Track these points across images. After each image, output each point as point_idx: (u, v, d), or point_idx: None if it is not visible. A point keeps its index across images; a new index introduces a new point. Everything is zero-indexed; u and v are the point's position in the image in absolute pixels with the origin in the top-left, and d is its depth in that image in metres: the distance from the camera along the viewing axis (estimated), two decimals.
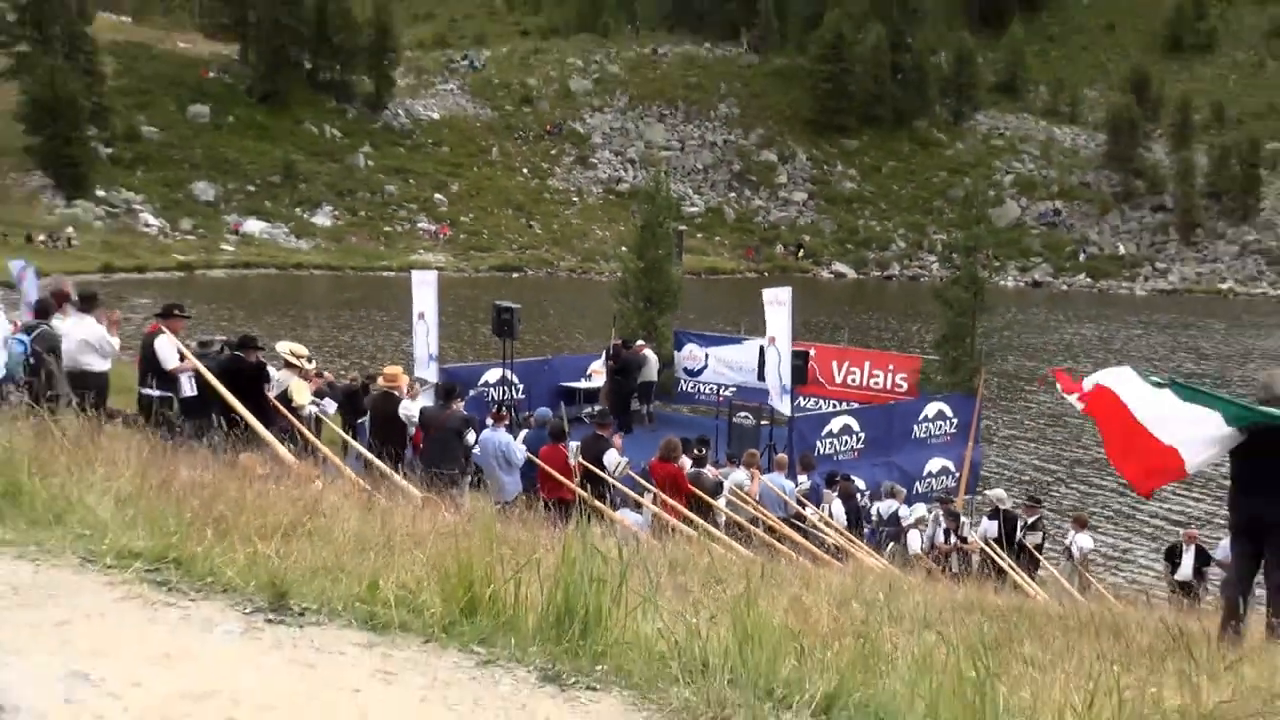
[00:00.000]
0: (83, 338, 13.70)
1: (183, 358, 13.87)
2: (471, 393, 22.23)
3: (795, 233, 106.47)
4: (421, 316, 24.60)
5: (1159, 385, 9.18)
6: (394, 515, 7.06)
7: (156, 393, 14.04)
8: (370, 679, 3.36)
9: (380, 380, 17.75)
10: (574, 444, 16.34)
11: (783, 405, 23.16)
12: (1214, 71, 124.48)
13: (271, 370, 14.77)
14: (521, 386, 24.96)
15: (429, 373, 23.01)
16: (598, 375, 27.02)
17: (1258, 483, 8.69)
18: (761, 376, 24.45)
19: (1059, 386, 10.00)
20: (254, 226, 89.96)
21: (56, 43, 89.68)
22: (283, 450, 11.12)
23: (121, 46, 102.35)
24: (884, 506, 20.66)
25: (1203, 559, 19.22)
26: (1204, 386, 9.81)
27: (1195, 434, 8.59)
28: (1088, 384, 9.58)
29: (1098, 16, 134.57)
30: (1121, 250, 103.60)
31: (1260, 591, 8.84)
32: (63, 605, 3.67)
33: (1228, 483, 9.27)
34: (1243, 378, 48.07)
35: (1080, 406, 9.60)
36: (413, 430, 16.43)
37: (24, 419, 7.42)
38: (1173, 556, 20.05)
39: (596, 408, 24.08)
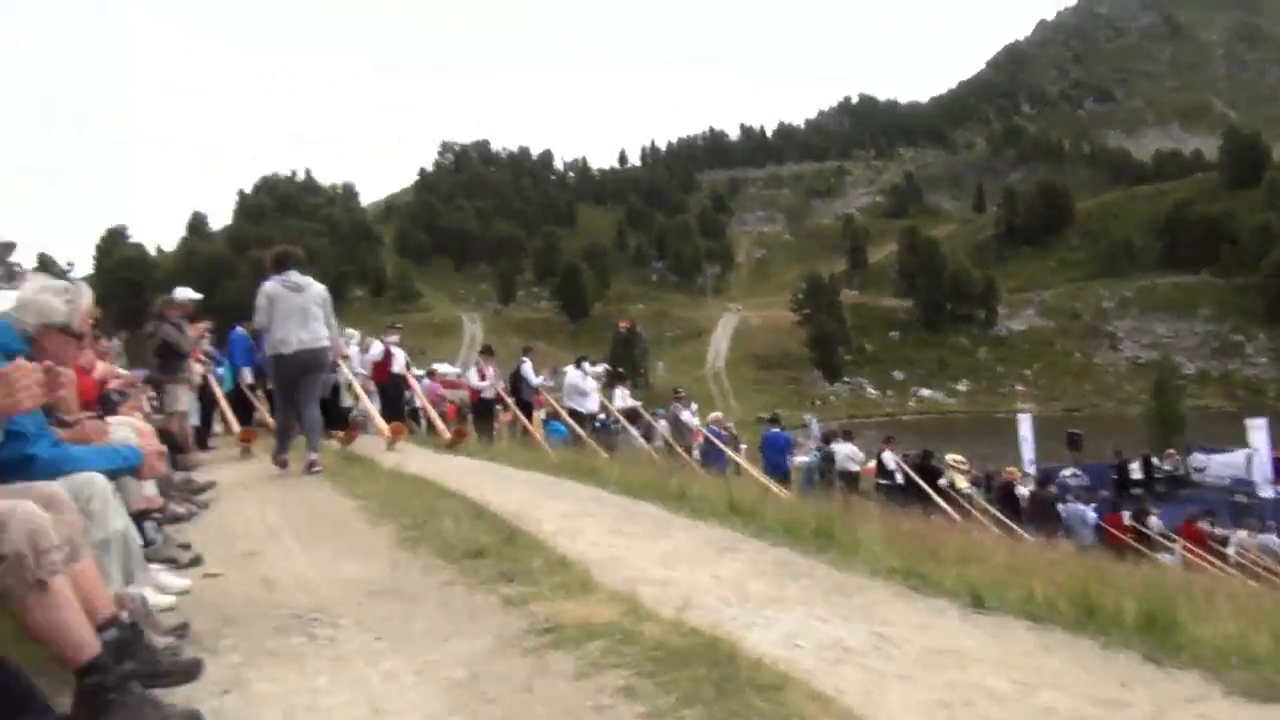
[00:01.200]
0: (846, 454, 13.94)
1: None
2: (1057, 480, 19.90)
3: (1260, 383, 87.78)
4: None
5: None
6: (1027, 553, 6.45)
7: (883, 482, 13.95)
8: (1036, 649, 3.04)
9: (1002, 474, 16.59)
10: (1126, 513, 14.31)
11: (1268, 490, 19.15)
12: None
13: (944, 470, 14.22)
14: (1086, 478, 22.11)
15: (1031, 469, 21.14)
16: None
17: None
18: (1248, 473, 20.39)
19: None
20: (924, 391, 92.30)
21: None
22: (988, 525, 10.63)
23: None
24: None
25: None
26: None
27: None
28: None
29: None
30: None
31: None
32: (861, 598, 3.65)
33: None
34: None
35: None
36: (1025, 504, 14.99)
37: (826, 498, 7.61)
38: None
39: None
